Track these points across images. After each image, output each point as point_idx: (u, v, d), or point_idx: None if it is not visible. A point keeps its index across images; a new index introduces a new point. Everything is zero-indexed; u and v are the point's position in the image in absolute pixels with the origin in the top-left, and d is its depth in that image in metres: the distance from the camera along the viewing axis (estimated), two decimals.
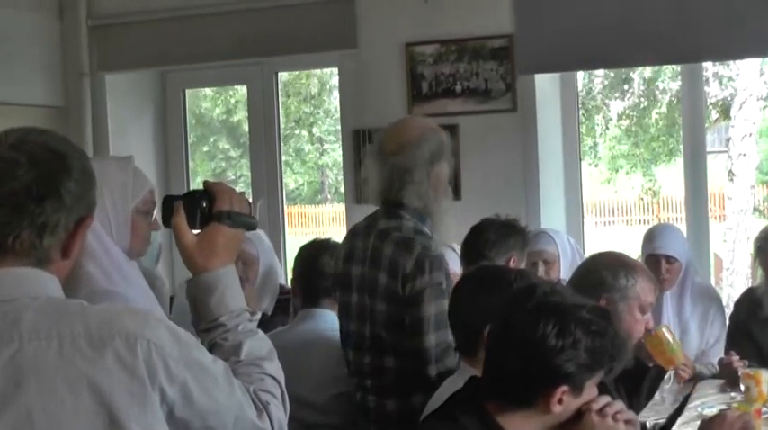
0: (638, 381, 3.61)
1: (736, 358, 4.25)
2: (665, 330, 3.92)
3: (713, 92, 13.55)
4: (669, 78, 13.25)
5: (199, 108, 12.42)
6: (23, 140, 1.83)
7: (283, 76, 7.73)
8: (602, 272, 3.39)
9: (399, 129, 3.64)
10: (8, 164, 1.80)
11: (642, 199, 15.39)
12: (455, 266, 4.61)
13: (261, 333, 2.12)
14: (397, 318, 3.44)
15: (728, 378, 4.25)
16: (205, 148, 13.55)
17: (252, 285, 4.44)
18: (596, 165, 14.44)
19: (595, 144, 14.01)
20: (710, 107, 13.44)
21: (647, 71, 13.43)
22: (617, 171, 14.78)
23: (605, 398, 2.33)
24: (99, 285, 2.60)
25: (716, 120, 13.77)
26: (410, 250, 3.40)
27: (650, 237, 4.74)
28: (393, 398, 3.49)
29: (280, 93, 6.70)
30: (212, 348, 2.03)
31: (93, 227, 2.62)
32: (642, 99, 14.07)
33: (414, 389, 3.41)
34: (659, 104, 13.88)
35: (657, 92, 13.89)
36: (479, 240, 4.36)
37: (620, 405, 2.34)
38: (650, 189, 14.37)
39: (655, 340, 3.78)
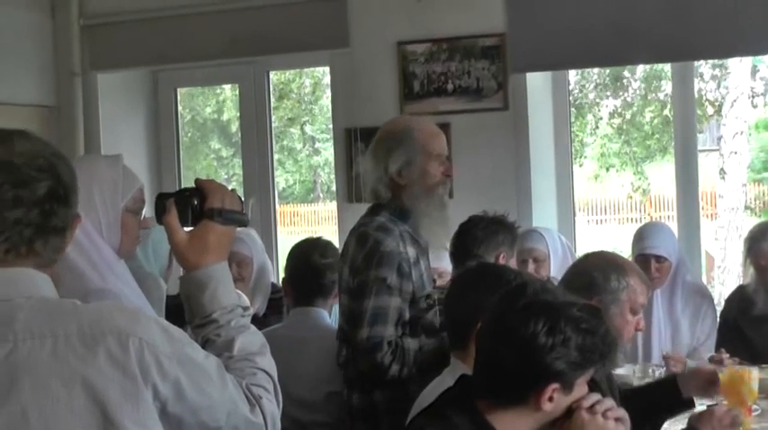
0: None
1: (726, 356, 4.27)
2: (756, 372, 3.91)
3: (708, 88, 13.58)
4: (663, 78, 13.26)
5: (191, 107, 12.41)
6: (32, 151, 1.87)
7: (276, 75, 7.73)
8: (593, 273, 3.39)
9: (380, 129, 3.70)
10: (30, 170, 1.84)
11: (631, 197, 15.39)
12: (446, 264, 4.62)
13: (253, 328, 2.13)
14: (348, 311, 3.50)
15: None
16: (198, 148, 13.54)
17: (246, 285, 4.45)
18: (581, 166, 14.44)
19: (582, 143, 14.00)
20: (706, 103, 13.45)
21: (640, 69, 13.45)
22: (608, 169, 14.79)
23: (596, 396, 2.33)
24: (92, 284, 2.61)
25: (711, 116, 13.78)
26: (363, 244, 3.45)
27: (640, 237, 4.75)
28: (357, 392, 3.54)
29: (271, 92, 6.70)
30: (205, 344, 2.04)
31: (84, 225, 2.63)
32: (635, 97, 14.08)
33: (373, 384, 3.46)
34: (652, 103, 13.89)
35: (651, 90, 13.91)
36: (467, 238, 4.36)
37: (610, 402, 2.34)
38: (640, 187, 14.37)
39: (736, 378, 3.52)
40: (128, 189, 2.82)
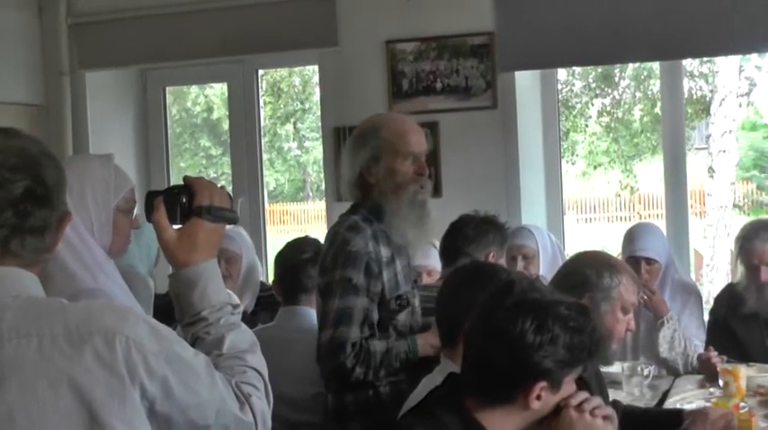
0: None
1: (714, 354, 4.28)
2: (744, 370, 3.98)
3: (697, 86, 13.61)
4: (652, 77, 13.29)
5: (181, 106, 12.40)
6: (5, 147, 1.84)
7: (266, 73, 7.72)
8: (585, 271, 3.40)
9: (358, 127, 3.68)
10: (3, 171, 1.81)
11: (620, 195, 15.42)
12: (436, 263, 4.62)
13: (243, 326, 2.12)
14: (319, 310, 3.47)
15: (707, 374, 4.28)
16: (186, 146, 13.52)
17: (235, 282, 4.45)
18: (573, 163, 14.48)
19: (571, 140, 14.03)
20: (696, 101, 13.49)
21: (629, 68, 13.47)
22: (595, 167, 14.82)
23: (583, 394, 2.34)
24: (84, 284, 2.60)
25: (700, 114, 13.82)
26: (332, 243, 3.42)
27: (630, 239, 4.75)
28: (330, 392, 3.51)
29: (261, 90, 6.69)
30: (195, 342, 2.04)
31: (76, 225, 2.63)
32: (624, 95, 14.11)
33: (342, 386, 3.42)
34: (641, 101, 13.92)
35: (640, 88, 13.93)
36: (458, 236, 4.36)
37: (598, 400, 2.35)
38: (628, 185, 14.40)
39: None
40: (119, 189, 2.82)
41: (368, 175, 3.49)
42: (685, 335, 4.62)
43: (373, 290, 3.39)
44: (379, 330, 3.43)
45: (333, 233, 3.46)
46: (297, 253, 4.06)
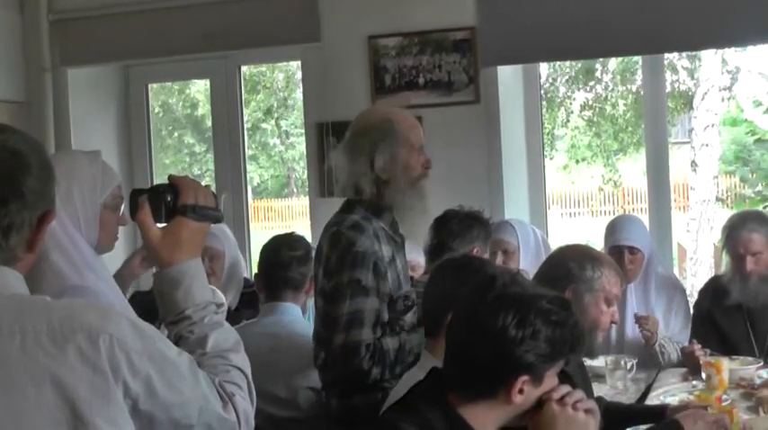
0: None
1: (698, 347, 4.30)
2: (726, 362, 4.02)
3: (679, 81, 13.65)
4: (635, 71, 13.32)
5: (163, 102, 12.37)
6: None
7: (249, 70, 7.71)
8: (568, 263, 3.41)
9: (354, 120, 3.61)
10: None
11: (602, 189, 15.46)
12: (419, 257, 4.63)
13: (227, 325, 2.12)
14: (324, 314, 3.39)
15: (691, 366, 4.30)
16: (169, 143, 13.50)
17: (218, 279, 4.45)
18: (552, 158, 14.51)
19: (553, 136, 14.06)
20: (678, 95, 13.53)
21: (612, 62, 13.51)
22: (577, 162, 14.85)
23: (565, 388, 2.34)
24: (70, 281, 2.60)
25: (682, 108, 13.86)
26: (336, 244, 3.35)
27: (612, 229, 4.76)
28: (335, 396, 3.46)
29: (244, 86, 6.68)
30: (178, 341, 2.04)
31: (63, 222, 2.62)
32: (606, 90, 14.14)
33: (352, 389, 3.38)
34: (624, 95, 13.95)
35: (623, 82, 13.96)
36: (442, 231, 4.38)
37: (580, 394, 2.35)
38: (611, 179, 14.44)
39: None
40: (106, 185, 2.82)
41: (381, 172, 3.44)
42: (671, 332, 4.64)
43: (382, 290, 3.36)
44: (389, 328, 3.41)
45: (334, 234, 3.39)
46: (286, 249, 4.04)
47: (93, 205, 2.76)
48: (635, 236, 4.69)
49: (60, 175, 2.48)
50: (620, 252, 4.61)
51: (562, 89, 13.96)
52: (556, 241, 5.93)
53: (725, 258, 4.72)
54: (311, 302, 4.00)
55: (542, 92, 7.27)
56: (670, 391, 4.02)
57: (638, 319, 4.50)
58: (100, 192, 2.80)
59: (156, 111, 10.29)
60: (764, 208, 12.13)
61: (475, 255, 4.23)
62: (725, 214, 10.94)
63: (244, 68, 6.77)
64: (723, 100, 14.08)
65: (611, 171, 14.37)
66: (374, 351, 3.31)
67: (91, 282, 2.65)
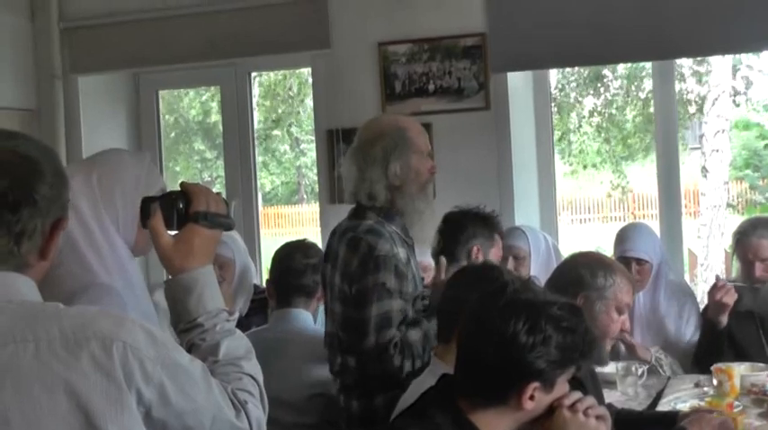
0: None
1: (724, 283, 4.36)
2: (738, 369, 3.99)
3: (689, 88, 13.62)
4: (645, 77, 13.30)
5: (175, 109, 12.39)
6: None
7: (261, 76, 7.72)
8: (580, 270, 3.41)
9: (362, 128, 3.67)
10: None
11: (611, 195, 15.43)
12: (429, 259, 4.61)
13: (239, 332, 2.12)
14: (347, 319, 3.45)
15: (714, 310, 4.35)
16: (181, 150, 13.52)
17: (229, 286, 4.45)
18: (571, 164, 14.49)
19: (565, 140, 14.04)
20: (687, 102, 13.50)
21: (621, 68, 13.48)
22: (585, 167, 14.83)
23: (577, 394, 2.34)
24: (98, 278, 2.57)
25: (693, 114, 13.83)
26: (356, 250, 3.41)
27: (620, 239, 4.74)
28: (356, 398, 3.50)
29: (254, 93, 6.68)
30: (190, 349, 2.04)
31: (103, 220, 2.61)
32: (615, 96, 14.12)
33: (375, 389, 3.43)
34: (634, 101, 13.93)
35: (632, 88, 13.94)
36: (443, 237, 4.34)
37: (591, 400, 2.35)
38: (619, 185, 14.41)
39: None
40: (150, 187, 2.81)
41: (394, 178, 3.52)
42: (682, 337, 4.63)
43: (405, 291, 3.42)
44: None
45: (352, 239, 3.45)
46: (300, 256, 4.05)
47: (134, 206, 2.75)
48: (642, 246, 4.66)
49: (103, 174, 2.49)
50: (627, 263, 4.57)
51: (572, 95, 13.94)
52: (566, 247, 5.92)
53: (735, 264, 4.70)
54: (321, 308, 4.00)
55: (552, 98, 7.25)
56: (681, 398, 4.00)
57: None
58: (142, 193, 2.79)
59: (168, 117, 10.30)
60: None
61: (476, 255, 4.21)
62: (736, 220, 10.92)
63: (254, 75, 6.77)
64: (736, 104, 14.05)
65: (619, 177, 14.34)
66: (402, 346, 3.37)
67: (117, 283, 2.63)
